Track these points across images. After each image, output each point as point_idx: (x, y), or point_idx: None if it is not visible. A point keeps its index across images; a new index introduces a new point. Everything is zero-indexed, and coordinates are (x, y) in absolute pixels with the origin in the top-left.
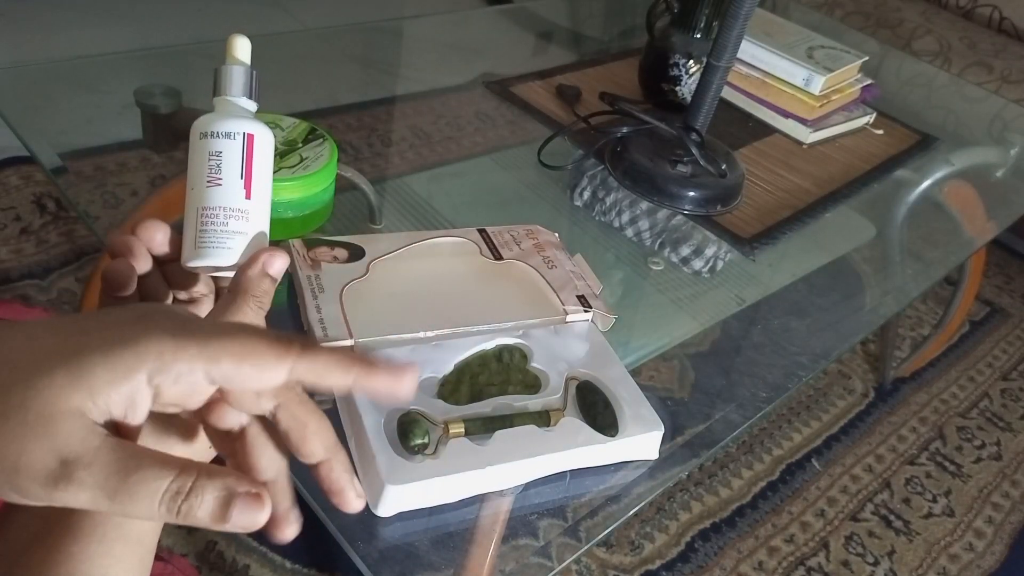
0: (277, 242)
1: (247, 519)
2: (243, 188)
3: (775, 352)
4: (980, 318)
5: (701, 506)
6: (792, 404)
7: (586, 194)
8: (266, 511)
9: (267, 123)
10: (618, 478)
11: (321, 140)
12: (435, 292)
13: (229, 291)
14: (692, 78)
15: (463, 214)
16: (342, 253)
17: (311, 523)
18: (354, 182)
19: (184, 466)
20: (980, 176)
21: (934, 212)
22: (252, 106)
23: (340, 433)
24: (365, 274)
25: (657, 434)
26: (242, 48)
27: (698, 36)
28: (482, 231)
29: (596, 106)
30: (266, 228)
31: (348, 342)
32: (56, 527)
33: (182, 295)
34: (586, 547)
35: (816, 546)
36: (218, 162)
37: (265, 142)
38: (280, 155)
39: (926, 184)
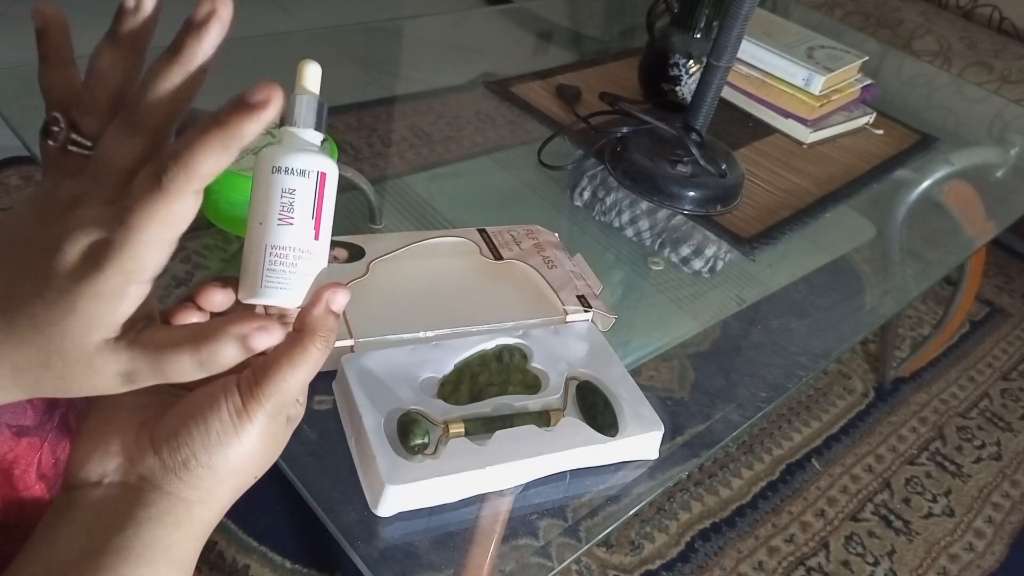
0: None
1: (266, 343)
2: (313, 228)
3: (775, 352)
4: (980, 318)
5: (701, 506)
6: (792, 404)
7: (586, 194)
8: (276, 333)
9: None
10: (618, 478)
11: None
12: (435, 292)
13: (295, 329)
14: (692, 78)
15: (463, 214)
16: (342, 253)
17: (311, 523)
18: (354, 182)
19: (194, 335)
20: (980, 176)
21: (934, 212)
22: (319, 138)
23: (340, 434)
24: (365, 274)
25: (657, 434)
26: (313, 76)
27: (698, 36)
28: (482, 231)
29: (596, 106)
30: (325, 264)
31: (348, 342)
32: (106, 546)
33: None
34: (586, 547)
35: (816, 546)
36: (291, 200)
37: (334, 179)
38: None
39: (926, 184)
